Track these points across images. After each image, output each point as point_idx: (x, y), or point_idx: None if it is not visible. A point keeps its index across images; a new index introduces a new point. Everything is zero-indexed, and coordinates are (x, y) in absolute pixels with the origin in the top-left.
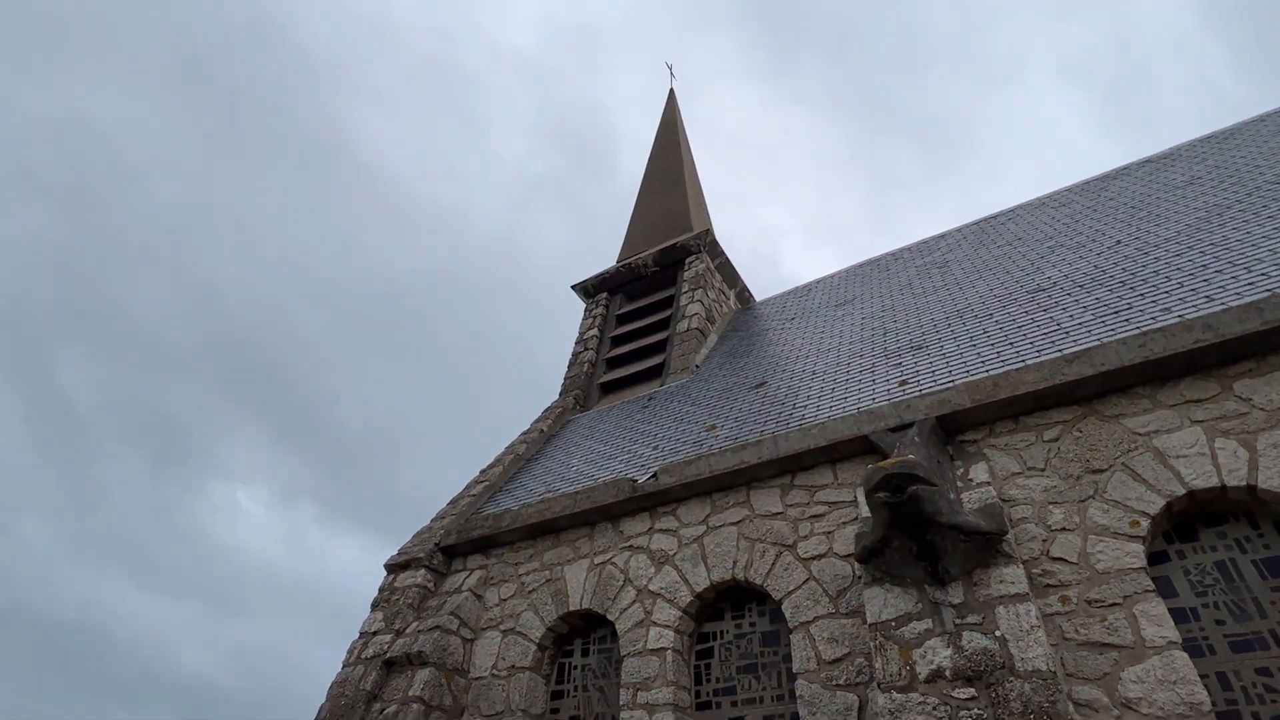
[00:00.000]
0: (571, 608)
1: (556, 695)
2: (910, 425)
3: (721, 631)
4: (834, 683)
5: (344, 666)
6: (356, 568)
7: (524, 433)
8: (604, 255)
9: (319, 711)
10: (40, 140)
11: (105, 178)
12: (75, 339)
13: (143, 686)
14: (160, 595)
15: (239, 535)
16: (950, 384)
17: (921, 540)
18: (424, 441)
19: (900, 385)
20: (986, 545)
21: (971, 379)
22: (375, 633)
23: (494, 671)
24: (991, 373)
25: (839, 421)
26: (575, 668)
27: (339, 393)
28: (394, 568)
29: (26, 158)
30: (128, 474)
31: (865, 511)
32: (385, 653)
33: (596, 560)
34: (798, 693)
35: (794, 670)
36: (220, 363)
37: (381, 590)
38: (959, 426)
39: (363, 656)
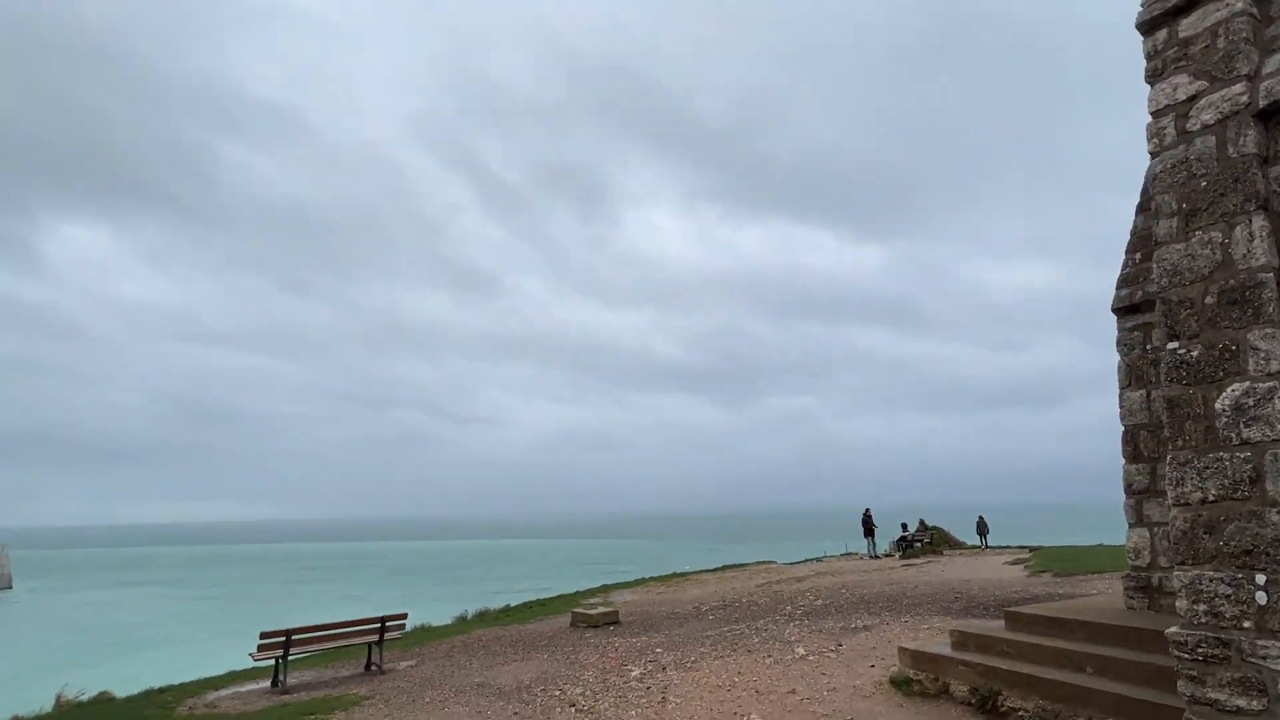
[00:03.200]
0: None
1: None
2: None
3: None
4: None
5: (1161, 152)
6: (766, 247)
7: None
8: None
9: (1148, 202)
10: None
11: None
12: (485, 127)
13: (645, 378)
14: (623, 311)
15: (664, 248)
16: None
17: None
18: (786, 101)
19: None
20: None
21: None
22: (1191, 98)
23: None
24: None
25: None
26: None
27: (696, 85)
28: (1153, 23)
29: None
30: (564, 224)
31: None
32: (1245, 106)
33: None
34: None
35: None
36: (588, 103)
37: (1155, 48)
38: None
39: (1189, 129)
